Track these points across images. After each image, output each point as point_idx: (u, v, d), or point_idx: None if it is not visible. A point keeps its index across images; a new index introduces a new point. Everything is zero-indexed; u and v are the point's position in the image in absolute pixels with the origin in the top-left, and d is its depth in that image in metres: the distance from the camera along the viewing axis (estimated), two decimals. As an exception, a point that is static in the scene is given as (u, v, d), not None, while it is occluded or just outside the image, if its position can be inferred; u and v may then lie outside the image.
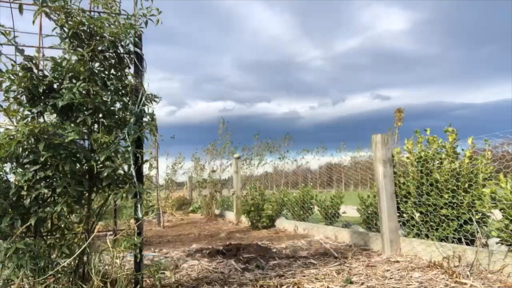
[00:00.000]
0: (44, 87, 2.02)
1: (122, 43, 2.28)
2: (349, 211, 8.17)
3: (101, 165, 2.08)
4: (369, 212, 4.48)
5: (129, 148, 2.11)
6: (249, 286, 2.72)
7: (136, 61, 2.36)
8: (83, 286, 2.03)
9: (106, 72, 2.25)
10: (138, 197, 2.17)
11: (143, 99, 2.28)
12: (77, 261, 2.09)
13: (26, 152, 1.91)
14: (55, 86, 2.10)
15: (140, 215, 2.20)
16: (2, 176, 1.95)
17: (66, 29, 2.11)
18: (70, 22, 2.10)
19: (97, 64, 2.21)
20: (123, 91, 2.27)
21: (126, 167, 2.19)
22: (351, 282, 2.73)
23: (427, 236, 3.56)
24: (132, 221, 2.24)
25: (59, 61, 2.09)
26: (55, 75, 2.07)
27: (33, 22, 2.06)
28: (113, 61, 2.28)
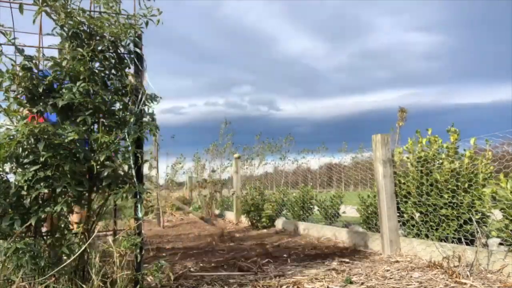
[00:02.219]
0: (44, 87, 2.02)
1: (123, 43, 2.28)
2: (349, 211, 8.17)
3: (101, 165, 2.08)
4: (369, 212, 4.48)
5: (129, 148, 2.11)
6: (249, 286, 2.72)
7: (136, 61, 2.36)
8: (83, 286, 2.03)
9: (107, 72, 2.25)
10: (138, 197, 2.17)
11: (143, 99, 2.28)
12: (77, 261, 2.09)
13: (26, 152, 1.91)
14: (55, 86, 2.10)
15: (140, 215, 2.20)
16: (2, 176, 1.95)
17: (66, 29, 2.12)
18: (70, 22, 2.10)
19: (97, 64, 2.21)
20: (123, 91, 2.27)
21: (126, 167, 2.19)
22: (351, 282, 2.73)
23: (427, 236, 3.57)
24: (132, 221, 2.24)
25: (59, 61, 2.09)
26: (55, 75, 2.07)
27: (34, 21, 2.06)
28: (113, 61, 2.28)
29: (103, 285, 2.06)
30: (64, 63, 2.08)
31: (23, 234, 1.98)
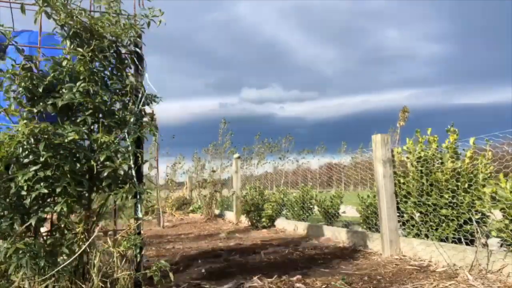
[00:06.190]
0: (44, 87, 2.02)
1: (124, 43, 2.28)
2: (349, 211, 8.18)
3: (101, 165, 2.08)
4: (369, 212, 4.48)
5: (129, 148, 2.11)
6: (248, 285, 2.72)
7: (136, 61, 2.36)
8: (83, 286, 2.03)
9: (107, 72, 2.25)
10: (138, 197, 2.17)
11: (143, 99, 2.28)
12: (77, 261, 2.09)
13: (26, 152, 1.91)
14: (55, 86, 2.10)
15: (140, 215, 2.20)
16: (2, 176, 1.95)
17: (66, 29, 2.11)
18: (70, 22, 2.09)
19: (97, 64, 2.21)
20: (123, 91, 2.27)
21: (126, 167, 2.19)
22: (351, 282, 2.73)
23: (426, 236, 3.56)
24: (132, 221, 2.24)
25: (59, 60, 2.09)
26: (55, 75, 2.07)
27: (35, 21, 2.06)
28: (113, 61, 2.28)
29: (103, 285, 2.06)
30: (64, 63, 2.08)
31: (23, 234, 1.97)
